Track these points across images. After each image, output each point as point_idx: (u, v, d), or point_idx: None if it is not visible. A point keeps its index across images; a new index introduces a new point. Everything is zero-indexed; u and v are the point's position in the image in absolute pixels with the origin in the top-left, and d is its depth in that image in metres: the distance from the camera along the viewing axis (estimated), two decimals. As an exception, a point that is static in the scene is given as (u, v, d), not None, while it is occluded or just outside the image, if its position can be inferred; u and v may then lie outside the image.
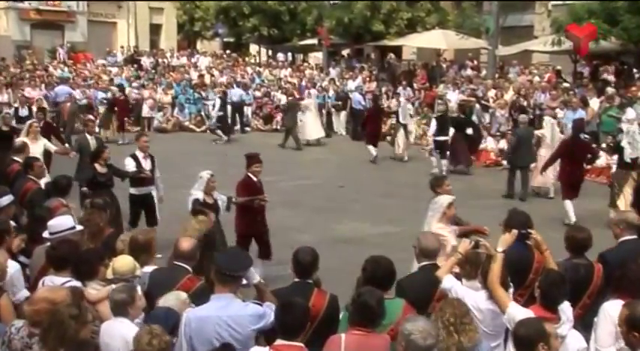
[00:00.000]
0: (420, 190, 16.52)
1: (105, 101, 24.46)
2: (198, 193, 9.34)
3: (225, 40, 44.78)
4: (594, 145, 15.74)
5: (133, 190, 11.36)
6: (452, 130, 18.26)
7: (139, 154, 11.32)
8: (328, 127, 24.68)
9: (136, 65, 31.62)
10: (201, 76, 28.72)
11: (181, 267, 6.01)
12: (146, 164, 11.30)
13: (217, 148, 22.10)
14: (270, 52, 40.53)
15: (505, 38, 27.83)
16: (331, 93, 26.12)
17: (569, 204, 13.44)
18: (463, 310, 5.07)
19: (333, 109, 25.75)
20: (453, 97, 23.14)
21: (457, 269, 5.99)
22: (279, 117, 26.64)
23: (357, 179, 17.72)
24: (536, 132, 16.26)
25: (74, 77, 27.85)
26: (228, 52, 36.35)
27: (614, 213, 12.03)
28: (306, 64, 34.34)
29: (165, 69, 30.50)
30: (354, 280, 5.81)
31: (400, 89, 26.02)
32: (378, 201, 15.33)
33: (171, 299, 5.32)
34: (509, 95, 22.24)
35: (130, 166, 11.13)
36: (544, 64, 27.53)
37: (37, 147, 12.36)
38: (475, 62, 29.82)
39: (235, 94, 25.89)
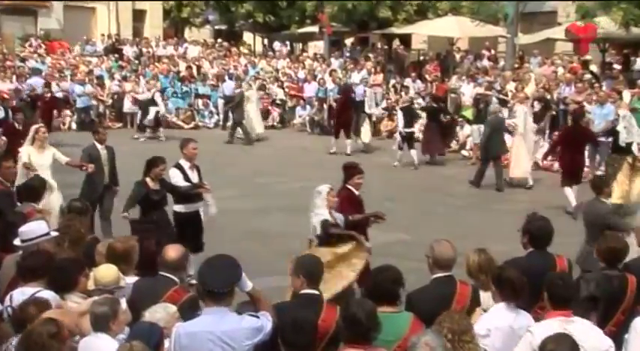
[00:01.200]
0: (432, 193, 16.67)
1: (27, 97, 22.56)
2: (323, 212, 8.63)
3: (216, 27, 44.93)
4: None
5: (179, 208, 10.35)
6: (421, 120, 19.66)
7: (185, 164, 10.33)
8: (329, 124, 24.72)
9: (117, 55, 31.65)
10: (189, 67, 28.76)
11: (167, 278, 6.01)
12: (193, 176, 10.41)
13: (208, 147, 22.12)
14: (265, 41, 40.59)
15: (525, 25, 27.88)
16: (333, 86, 26.16)
17: (568, 191, 14.52)
18: (463, 326, 5.04)
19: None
20: (468, 91, 23.20)
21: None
22: (276, 113, 26.70)
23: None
24: (509, 121, 17.49)
25: (49, 68, 27.87)
26: (219, 41, 36.44)
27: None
28: (305, 54, 34.39)
29: (149, 59, 30.55)
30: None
31: (409, 82, 26.06)
32: (386, 205, 15.24)
33: (159, 312, 5.31)
34: (530, 88, 22.23)
35: (177, 179, 10.18)
36: (569, 54, 27.54)
37: (45, 158, 11.69)
38: (492, 52, 29.86)
39: (227, 87, 25.93)
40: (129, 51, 32.58)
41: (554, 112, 21.25)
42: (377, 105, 25.37)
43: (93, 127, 12.46)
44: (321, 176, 18.06)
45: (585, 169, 15.98)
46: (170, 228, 9.97)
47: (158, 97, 23.32)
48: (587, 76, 22.85)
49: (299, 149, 22.14)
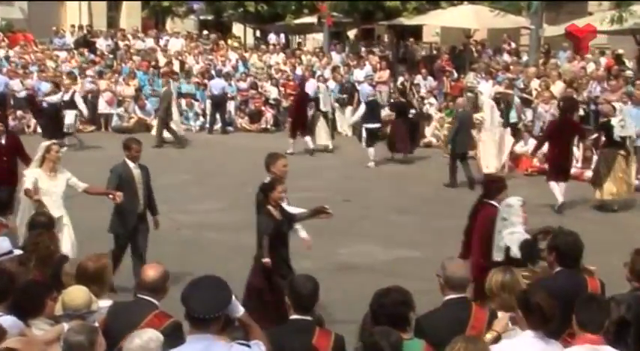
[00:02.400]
0: (443, 205, 16.67)
1: None
2: (520, 230, 8.20)
3: (201, 17, 44.98)
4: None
5: None
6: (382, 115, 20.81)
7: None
8: (331, 127, 24.75)
9: (90, 49, 31.68)
10: (169, 62, 28.83)
11: (146, 301, 6.00)
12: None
13: (192, 153, 22.17)
14: (258, 34, 40.65)
15: (552, 15, 27.94)
16: (334, 84, 26.19)
17: (554, 186, 15.84)
18: (479, 349, 5.06)
19: (336, 104, 25.82)
20: (486, 89, 23.19)
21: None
22: (269, 114, 26.74)
23: (367, 191, 17.77)
24: (476, 115, 18.75)
25: (11, 63, 27.89)
26: (205, 33, 36.48)
27: (599, 194, 16.09)
28: (303, 48, 34.44)
29: (126, 54, 30.59)
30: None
31: (419, 79, 26.11)
32: (391, 218, 15.36)
33: (144, 339, 5.24)
34: (557, 87, 22.29)
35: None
36: (601, 48, 27.61)
37: (57, 184, 10.60)
38: (514, 45, 29.91)
39: (215, 85, 25.99)
40: (103, 44, 32.61)
41: (582, 113, 21.29)
42: (383, 106, 25.42)
43: (125, 142, 11.21)
44: (320, 186, 18.21)
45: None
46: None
47: (78, 98, 22.80)
48: (629, 72, 22.86)
49: (293, 156, 22.15)
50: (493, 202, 8.90)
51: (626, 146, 16.44)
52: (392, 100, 22.08)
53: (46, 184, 10.45)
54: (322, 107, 23.37)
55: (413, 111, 22.00)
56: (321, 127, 22.80)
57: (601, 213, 16.18)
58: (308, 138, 22.22)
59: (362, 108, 21.15)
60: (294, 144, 21.93)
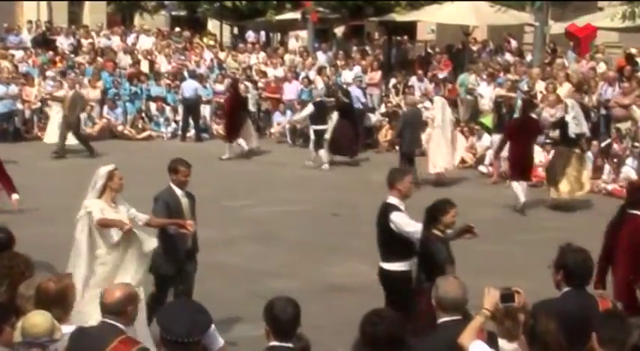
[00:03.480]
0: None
1: None
2: None
3: (173, 13, 44.94)
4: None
5: (399, 266, 9.72)
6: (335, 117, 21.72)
7: (401, 205, 9.78)
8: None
9: (49, 48, 31.59)
10: (136, 63, 28.85)
11: (111, 325, 5.98)
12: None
13: (162, 163, 22.09)
14: (235, 31, 40.66)
15: (558, 11, 28.09)
16: (320, 86, 26.22)
17: (516, 186, 17.08)
18: None
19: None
20: (487, 92, 23.32)
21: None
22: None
23: (356, 204, 17.76)
24: (426, 113, 19.89)
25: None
26: (177, 30, 36.43)
27: (554, 192, 17.44)
28: (285, 47, 34.45)
29: (90, 53, 30.54)
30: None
31: (414, 81, 26.17)
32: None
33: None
34: (563, 89, 22.36)
35: (414, 227, 9.46)
36: (612, 46, 27.77)
37: (119, 218, 9.53)
38: (516, 44, 30.04)
39: (188, 88, 25.96)
40: (64, 43, 32.49)
41: (594, 119, 21.39)
42: (374, 110, 25.53)
43: (171, 164, 10.59)
44: (306, 198, 18.22)
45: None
46: None
47: None
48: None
49: (276, 165, 22.17)
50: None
51: (581, 144, 17.85)
52: (337, 100, 22.81)
53: (109, 216, 9.43)
54: (251, 107, 24.63)
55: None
56: (248, 128, 23.28)
57: (561, 213, 17.02)
58: (242, 140, 22.84)
59: (308, 108, 22.01)
60: (230, 148, 22.70)
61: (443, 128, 19.66)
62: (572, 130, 17.34)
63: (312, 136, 21.89)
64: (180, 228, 9.86)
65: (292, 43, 35.97)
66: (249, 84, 25.35)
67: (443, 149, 19.65)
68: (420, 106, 20.71)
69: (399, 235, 9.40)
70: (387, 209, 9.56)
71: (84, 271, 9.26)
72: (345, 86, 25.74)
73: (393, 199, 9.66)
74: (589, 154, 19.72)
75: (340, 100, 22.41)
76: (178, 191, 10.20)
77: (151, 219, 9.83)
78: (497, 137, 20.08)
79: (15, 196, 12.47)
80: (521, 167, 17.27)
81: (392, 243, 9.52)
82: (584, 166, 17.76)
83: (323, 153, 21.58)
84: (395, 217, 9.46)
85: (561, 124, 17.69)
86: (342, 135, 21.83)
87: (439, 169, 19.70)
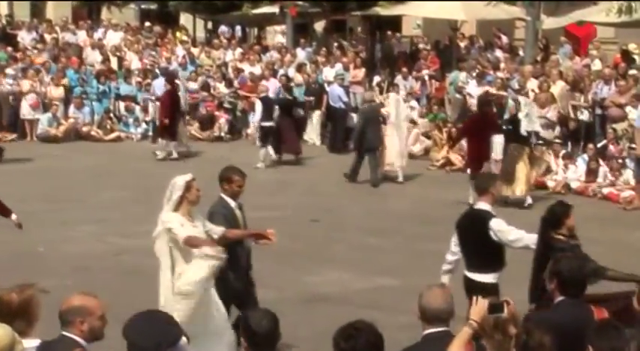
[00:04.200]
0: (428, 225, 16.71)
1: None
2: None
3: (143, 7, 44.86)
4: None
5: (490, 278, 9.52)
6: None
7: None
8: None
9: (9, 43, 31.46)
10: (107, 59, 28.75)
11: (69, 338, 5.96)
12: None
13: (132, 165, 22.07)
14: (209, 25, 40.63)
15: (551, 5, 28.17)
16: (300, 84, 26.24)
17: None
18: None
19: (300, 111, 25.85)
20: (475, 91, 23.35)
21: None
22: (223, 120, 26.71)
23: (338, 209, 17.79)
24: (382, 110, 20.71)
25: None
26: (148, 24, 36.39)
27: (507, 190, 17.86)
28: (263, 42, 34.45)
29: (54, 49, 30.45)
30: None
31: (399, 79, 26.21)
32: (367, 241, 15.39)
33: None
34: (557, 87, 22.44)
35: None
36: (608, 42, 27.88)
37: (199, 234, 9.17)
38: (507, 40, 30.11)
39: (159, 86, 25.89)
40: (26, 38, 32.37)
41: (587, 119, 21.48)
42: (357, 109, 25.54)
43: (224, 173, 10.16)
44: (284, 203, 18.21)
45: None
46: None
47: None
48: (633, 71, 23.13)
49: (252, 168, 22.15)
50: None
51: (531, 142, 18.60)
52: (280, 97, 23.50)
53: (189, 233, 9.00)
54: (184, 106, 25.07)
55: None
56: (182, 127, 23.77)
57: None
58: (173, 144, 23.21)
59: (259, 105, 22.50)
60: (166, 146, 23.19)
61: (397, 125, 20.62)
62: (525, 127, 18.23)
63: (258, 133, 22.61)
64: (257, 238, 9.66)
65: (279, 39, 35.92)
66: (181, 82, 25.56)
67: (396, 146, 20.51)
68: (391, 103, 21.17)
69: (495, 245, 9.32)
70: (483, 216, 9.35)
71: (167, 291, 8.99)
72: (325, 85, 25.83)
73: (484, 205, 9.49)
74: (584, 156, 19.85)
75: (282, 97, 23.25)
76: (232, 203, 9.89)
77: (228, 231, 9.41)
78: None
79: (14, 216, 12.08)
80: (476, 161, 18.12)
81: (484, 252, 9.38)
82: (537, 164, 18.89)
83: (263, 152, 22.11)
84: (496, 224, 9.29)
85: (513, 121, 18.46)
86: (286, 134, 22.56)
87: (394, 167, 20.62)
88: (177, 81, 24.96)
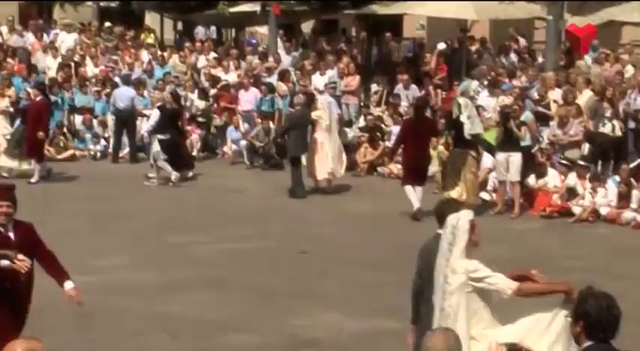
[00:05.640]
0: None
1: None
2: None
3: (102, 4, 44.89)
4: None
5: None
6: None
7: None
8: (279, 152, 24.78)
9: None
10: (66, 66, 28.74)
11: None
12: None
13: (90, 189, 22.06)
14: (180, 26, 40.68)
15: (575, 3, 28.29)
16: (285, 93, 26.28)
17: (408, 190, 19.34)
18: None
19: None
20: (489, 102, 23.33)
21: None
22: (196, 136, 26.67)
23: (329, 239, 17.78)
24: (312, 114, 21.65)
25: None
26: (108, 25, 36.45)
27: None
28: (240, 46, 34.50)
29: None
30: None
31: (400, 88, 26.24)
32: (363, 276, 15.38)
33: None
34: (583, 98, 22.47)
35: None
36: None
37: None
38: (525, 43, 30.21)
39: (122, 96, 25.88)
40: (-35, 41, 32.49)
41: (619, 133, 21.50)
42: (351, 124, 25.58)
43: (442, 207, 9.64)
44: (264, 233, 18.20)
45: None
46: None
47: None
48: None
49: (230, 191, 22.16)
50: None
51: (477, 146, 19.91)
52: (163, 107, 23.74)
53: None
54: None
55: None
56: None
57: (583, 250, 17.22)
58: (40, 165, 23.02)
59: (155, 114, 23.18)
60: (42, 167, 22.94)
61: (329, 130, 21.90)
62: (468, 130, 19.28)
63: (155, 148, 22.77)
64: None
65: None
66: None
67: (328, 154, 21.62)
68: (323, 106, 22.08)
69: None
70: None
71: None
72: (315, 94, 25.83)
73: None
74: (615, 177, 19.82)
75: (169, 106, 23.51)
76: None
77: (522, 285, 8.52)
78: (502, 156, 19.99)
79: None
80: (415, 171, 19.50)
81: None
82: (478, 168, 20.29)
83: (164, 164, 22.59)
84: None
85: (456, 124, 19.55)
86: (180, 146, 23.62)
87: (322, 176, 21.77)
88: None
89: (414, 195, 19.31)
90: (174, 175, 22.41)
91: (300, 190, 21.37)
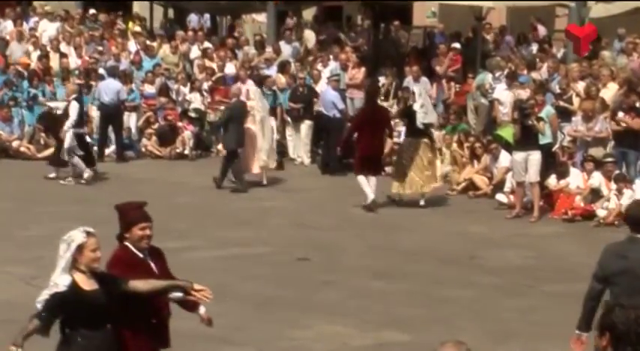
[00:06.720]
0: (445, 265, 16.71)
1: None
2: None
3: (87, -10, 44.94)
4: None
5: None
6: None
7: None
8: (279, 150, 24.81)
9: None
10: (44, 56, 28.81)
11: None
12: None
13: (71, 190, 22.06)
14: (171, 13, 40.70)
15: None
16: (284, 86, 26.28)
17: (362, 180, 20.23)
18: None
19: (288, 118, 25.87)
20: (505, 96, 23.32)
21: None
22: (188, 132, 26.64)
23: (331, 245, 17.79)
24: (250, 104, 22.79)
25: None
26: (92, 12, 36.46)
27: (400, 187, 20.56)
28: (238, 34, 34.53)
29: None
30: None
31: (409, 81, 26.25)
32: (369, 285, 15.38)
33: None
34: (609, 91, 22.44)
35: None
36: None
37: None
38: (546, 31, 30.20)
39: (107, 89, 25.88)
40: (-61, 30, 32.53)
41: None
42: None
43: None
44: (262, 239, 18.18)
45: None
46: None
47: None
48: None
49: (225, 194, 22.16)
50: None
51: (431, 134, 21.21)
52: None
53: None
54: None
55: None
56: None
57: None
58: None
59: (74, 106, 22.97)
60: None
61: (262, 121, 22.92)
62: (421, 119, 20.62)
63: (70, 142, 22.67)
64: None
65: (247, 30, 35.92)
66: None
67: (264, 146, 22.77)
68: (255, 96, 23.27)
69: None
70: None
71: None
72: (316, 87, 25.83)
73: None
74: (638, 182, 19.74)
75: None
76: None
77: None
78: (520, 156, 19.82)
79: None
80: (369, 161, 20.34)
81: None
82: (435, 156, 21.24)
83: (79, 162, 22.83)
84: None
85: (408, 113, 20.98)
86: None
87: (256, 170, 22.80)
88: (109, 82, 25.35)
89: (368, 186, 20.18)
90: (87, 172, 22.69)
91: (243, 185, 22.16)
